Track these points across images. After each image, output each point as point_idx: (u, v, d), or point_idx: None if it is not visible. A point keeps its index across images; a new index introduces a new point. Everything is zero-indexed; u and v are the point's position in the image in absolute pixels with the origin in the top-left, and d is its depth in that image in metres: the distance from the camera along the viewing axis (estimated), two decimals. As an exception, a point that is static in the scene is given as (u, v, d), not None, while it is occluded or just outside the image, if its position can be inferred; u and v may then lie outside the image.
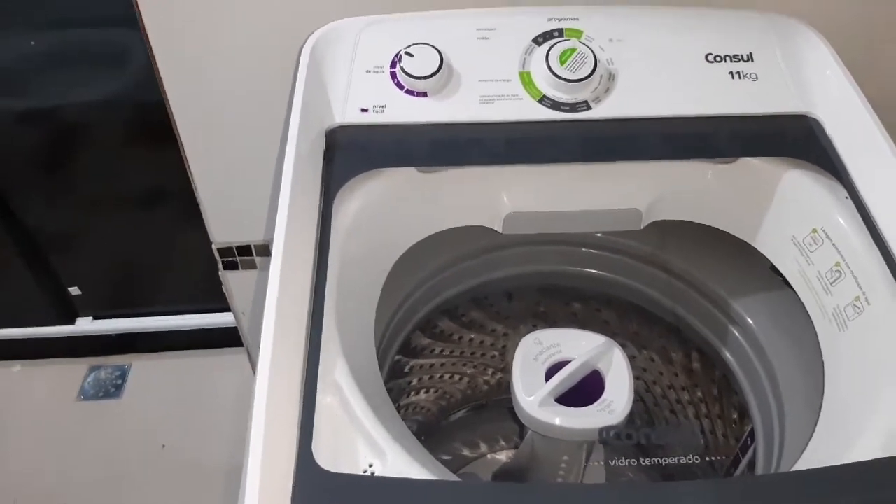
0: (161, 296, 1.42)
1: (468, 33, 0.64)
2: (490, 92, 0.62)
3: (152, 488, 1.24)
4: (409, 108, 0.61)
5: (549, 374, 0.62)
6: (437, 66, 0.61)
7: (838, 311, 0.56)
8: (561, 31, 0.65)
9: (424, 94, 0.62)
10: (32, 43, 1.11)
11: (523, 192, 0.64)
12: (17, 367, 1.43)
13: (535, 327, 0.66)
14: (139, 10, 0.70)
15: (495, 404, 0.97)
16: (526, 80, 0.63)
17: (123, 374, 1.41)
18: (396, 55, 0.63)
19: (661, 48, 0.65)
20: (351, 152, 0.60)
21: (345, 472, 0.44)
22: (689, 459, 0.63)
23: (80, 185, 1.25)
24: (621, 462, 0.66)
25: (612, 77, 0.63)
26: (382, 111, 0.61)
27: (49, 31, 1.10)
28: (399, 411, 0.85)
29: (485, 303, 0.87)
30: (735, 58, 0.65)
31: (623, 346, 0.64)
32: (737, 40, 0.65)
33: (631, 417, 0.60)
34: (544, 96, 0.62)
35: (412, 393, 0.89)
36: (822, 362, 0.57)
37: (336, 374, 0.48)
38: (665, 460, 0.63)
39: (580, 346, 0.63)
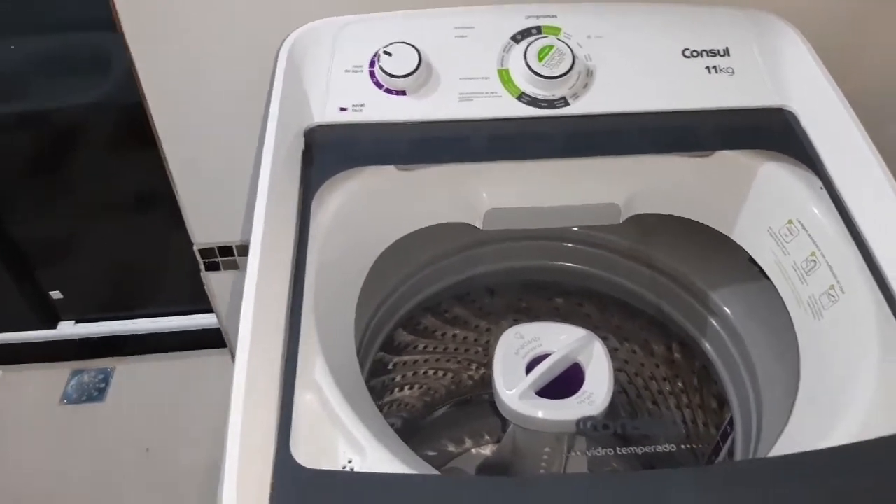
0: (144, 298, 1.41)
1: (446, 32, 0.65)
2: (469, 90, 0.63)
3: (137, 492, 1.23)
4: (388, 106, 0.62)
5: (530, 367, 0.62)
6: (416, 64, 0.62)
7: (813, 300, 0.57)
8: (539, 29, 0.65)
9: (403, 93, 0.62)
10: (12, 47, 1.10)
11: (503, 188, 0.65)
12: (-1, 373, 1.42)
13: (517, 322, 0.66)
14: (117, 13, 0.70)
15: (480, 399, 0.97)
16: (504, 77, 0.63)
17: (107, 378, 1.40)
18: (375, 54, 0.63)
19: (639, 44, 0.65)
20: (330, 151, 0.60)
21: (324, 468, 0.44)
22: (667, 448, 0.64)
23: (61, 189, 1.25)
24: (599, 452, 0.67)
25: (590, 73, 0.64)
26: (361, 110, 0.61)
27: (30, 35, 1.09)
28: (383, 408, 0.86)
29: (467, 299, 0.87)
30: (712, 52, 0.65)
31: (604, 339, 0.65)
32: (713, 35, 0.66)
33: (614, 409, 0.61)
34: (523, 93, 0.63)
35: (396, 389, 0.89)
36: (798, 351, 0.57)
37: (314, 372, 0.48)
38: (643, 449, 0.63)
39: (560, 340, 0.63)
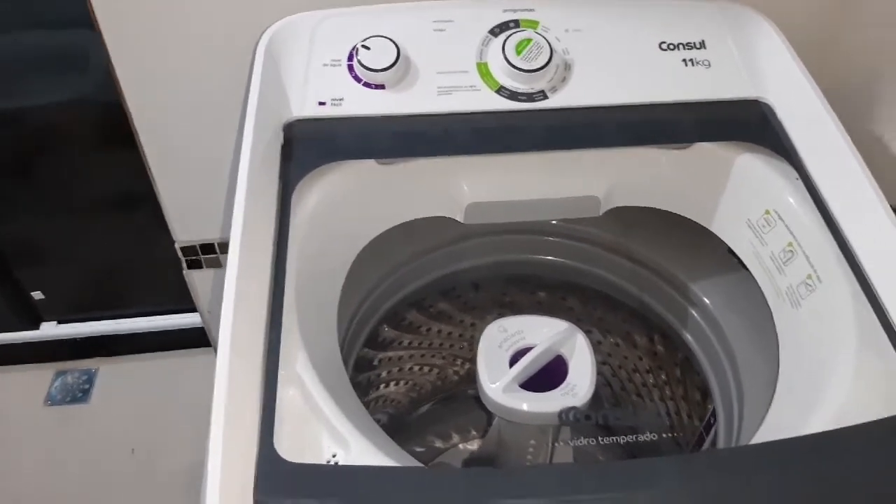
0: (126, 298, 1.40)
1: (424, 25, 0.65)
2: (448, 83, 0.63)
3: (123, 492, 1.22)
4: (367, 100, 0.62)
5: (514, 360, 0.62)
6: (394, 58, 0.62)
7: (791, 290, 0.58)
8: (517, 22, 0.65)
9: (382, 87, 0.62)
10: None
11: (483, 181, 0.65)
12: (-19, 375, 1.40)
13: (501, 317, 0.66)
14: (93, 10, 0.69)
15: (466, 395, 0.98)
16: (483, 70, 0.63)
17: (91, 378, 1.39)
18: (353, 48, 0.63)
19: (616, 37, 0.66)
20: (309, 146, 0.60)
21: (308, 462, 0.44)
22: (650, 437, 0.64)
23: (44, 188, 1.23)
24: (583, 443, 0.67)
25: (567, 67, 0.64)
26: (340, 104, 0.61)
27: (7, 33, 1.08)
28: (369, 404, 0.86)
29: (452, 294, 0.87)
30: (688, 45, 0.66)
31: (588, 332, 0.65)
32: (689, 28, 0.66)
33: (598, 401, 0.61)
34: (501, 87, 0.63)
35: (382, 385, 0.89)
36: (778, 340, 0.58)
37: (297, 367, 0.48)
38: (625, 439, 0.64)
39: (543, 333, 0.64)
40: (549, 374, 0.62)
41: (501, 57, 0.63)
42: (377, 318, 0.79)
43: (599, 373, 0.63)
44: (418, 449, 0.97)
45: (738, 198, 0.64)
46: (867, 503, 0.44)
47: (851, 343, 0.51)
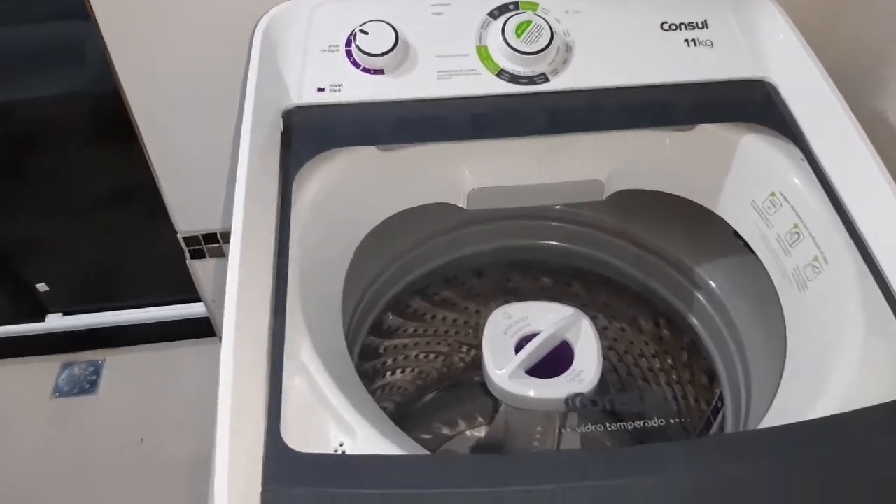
0: (132, 288, 1.40)
1: (423, 9, 0.64)
2: (447, 67, 0.62)
3: (131, 482, 1.23)
4: (367, 86, 0.61)
5: (519, 347, 0.62)
6: (393, 42, 0.61)
7: (798, 272, 0.57)
8: (516, 4, 0.65)
9: (381, 72, 0.61)
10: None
11: (485, 166, 0.64)
12: (-12, 368, 1.41)
13: (506, 303, 0.66)
14: (89, 1, 0.68)
15: (471, 381, 0.98)
16: (483, 54, 0.63)
17: (97, 370, 1.39)
18: (351, 33, 0.62)
19: (617, 18, 0.65)
20: (309, 133, 0.59)
21: (315, 452, 0.44)
22: (657, 423, 0.64)
23: (44, 181, 1.23)
24: (590, 429, 0.67)
25: (568, 48, 0.63)
26: (339, 90, 0.61)
27: (4, 26, 1.07)
28: (375, 392, 0.86)
29: (455, 281, 0.87)
30: (690, 25, 0.65)
31: (593, 317, 0.65)
32: (691, 8, 0.65)
33: (605, 387, 0.61)
34: (502, 70, 0.62)
35: (388, 373, 0.89)
36: (784, 323, 0.58)
37: (302, 356, 0.48)
38: (633, 425, 0.63)
39: (548, 318, 0.63)
40: (555, 360, 0.62)
41: (501, 40, 0.62)
42: (381, 305, 0.79)
43: (605, 358, 0.62)
44: (425, 436, 0.97)
45: (743, 179, 0.63)
46: (874, 487, 0.44)
47: (859, 325, 0.51)
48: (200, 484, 1.18)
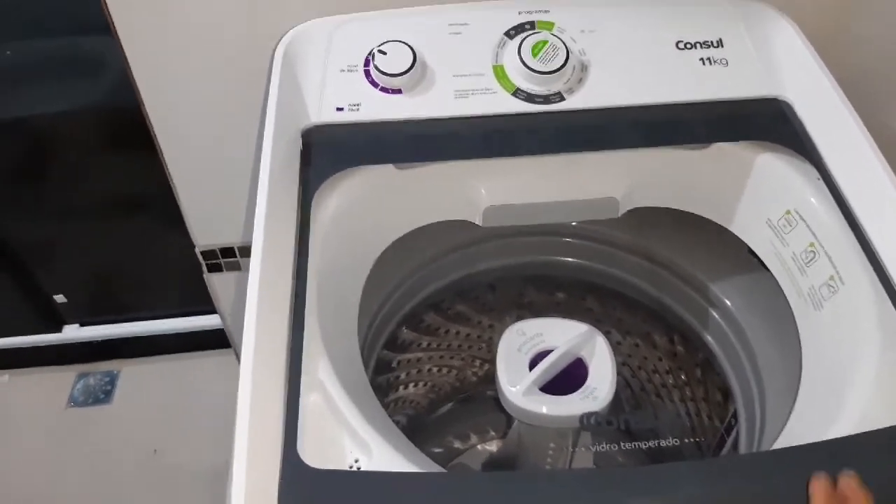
0: (148, 300, 1.42)
1: (440, 29, 0.65)
2: (464, 87, 0.63)
3: (145, 493, 1.24)
4: (385, 105, 0.62)
5: (533, 363, 0.62)
6: (411, 62, 0.62)
7: (813, 291, 0.57)
8: (532, 24, 0.65)
9: (399, 91, 0.62)
10: (8, 52, 1.10)
11: (501, 185, 0.65)
12: (5, 377, 1.42)
13: (519, 318, 0.66)
14: (111, 17, 0.70)
15: (484, 395, 0.98)
16: (499, 73, 0.63)
17: (113, 380, 1.40)
18: (370, 53, 0.63)
19: (632, 37, 0.65)
20: (328, 151, 0.60)
21: (331, 468, 0.45)
22: (671, 442, 0.64)
23: (62, 193, 1.25)
24: (603, 447, 0.67)
25: (584, 68, 0.64)
26: (358, 109, 0.61)
27: (24, 40, 1.09)
28: (388, 406, 0.86)
29: (469, 295, 0.87)
30: (705, 44, 0.65)
31: (607, 332, 0.65)
32: (706, 27, 0.66)
33: (618, 403, 0.61)
34: (518, 89, 0.63)
35: (401, 387, 0.90)
36: (799, 342, 0.57)
37: (319, 372, 0.49)
38: (647, 444, 0.63)
39: (562, 335, 0.64)
40: (569, 377, 0.62)
41: (517, 59, 0.63)
42: (396, 320, 0.80)
43: (619, 373, 0.63)
44: (437, 450, 0.97)
45: (758, 197, 0.63)
46: (892, 508, 0.44)
47: (874, 345, 0.51)
48: (214, 495, 1.18)
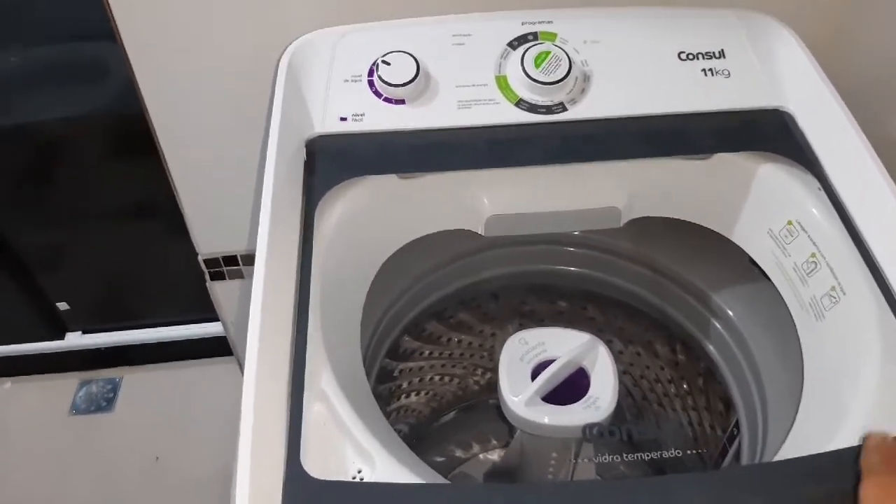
0: (150, 307, 1.42)
1: (443, 40, 0.65)
2: (467, 97, 0.63)
3: (147, 501, 1.24)
4: (388, 115, 0.62)
5: (535, 373, 0.63)
6: (414, 73, 0.62)
7: (815, 302, 0.58)
8: (535, 35, 0.66)
9: (402, 102, 0.62)
10: (13, 59, 1.11)
11: (504, 194, 0.65)
12: (7, 384, 1.42)
13: (522, 326, 0.67)
14: (115, 24, 0.70)
15: (486, 404, 0.98)
16: (502, 84, 0.64)
17: (115, 388, 1.40)
18: (373, 64, 0.63)
19: (635, 48, 0.66)
20: (331, 161, 0.60)
21: (334, 479, 0.45)
22: (674, 453, 0.64)
23: (65, 200, 1.25)
24: (606, 458, 0.67)
25: (587, 78, 0.64)
26: (361, 119, 0.62)
27: (29, 47, 1.10)
28: (390, 415, 0.86)
29: (472, 304, 0.88)
30: (707, 55, 0.66)
31: (609, 341, 0.65)
32: (708, 38, 0.66)
33: (620, 413, 0.61)
34: (521, 99, 0.63)
35: (403, 396, 0.90)
36: (801, 351, 0.58)
37: (322, 383, 0.49)
38: (649, 455, 0.63)
39: (565, 345, 0.64)
40: (572, 387, 0.62)
41: (520, 70, 0.63)
42: (398, 329, 0.80)
43: (621, 382, 0.63)
44: (438, 459, 0.97)
45: (760, 208, 0.63)
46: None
47: (876, 355, 0.51)
48: (216, 502, 1.18)
